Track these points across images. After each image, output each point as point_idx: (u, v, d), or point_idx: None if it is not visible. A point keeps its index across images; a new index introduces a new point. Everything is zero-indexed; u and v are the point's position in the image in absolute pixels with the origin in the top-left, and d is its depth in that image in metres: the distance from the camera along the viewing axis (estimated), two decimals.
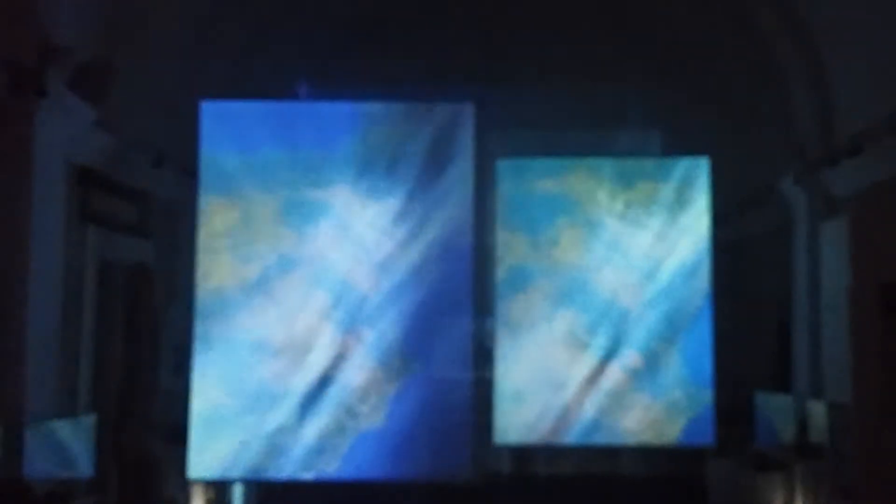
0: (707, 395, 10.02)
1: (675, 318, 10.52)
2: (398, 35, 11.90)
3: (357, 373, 8.24)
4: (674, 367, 10.18)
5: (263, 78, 10.49)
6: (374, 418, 8.18)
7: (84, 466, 7.29)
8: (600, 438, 10.42)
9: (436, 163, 8.51)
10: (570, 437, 10.29)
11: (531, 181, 10.89)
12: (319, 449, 8.10)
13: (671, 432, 10.10)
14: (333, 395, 8.23)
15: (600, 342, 10.67)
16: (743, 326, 11.66)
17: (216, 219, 8.42)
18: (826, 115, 9.50)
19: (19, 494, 6.41)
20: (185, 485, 8.69)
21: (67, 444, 7.11)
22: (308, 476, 7.91)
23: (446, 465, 7.96)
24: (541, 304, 10.70)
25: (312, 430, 8.02)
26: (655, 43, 12.25)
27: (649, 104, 11.74)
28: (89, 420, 7.47)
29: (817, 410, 8.29)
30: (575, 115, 12.18)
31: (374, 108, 8.36)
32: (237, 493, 9.20)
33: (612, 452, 10.55)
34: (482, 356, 9.08)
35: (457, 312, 8.62)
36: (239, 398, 7.96)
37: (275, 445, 8.09)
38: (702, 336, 10.18)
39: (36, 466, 6.66)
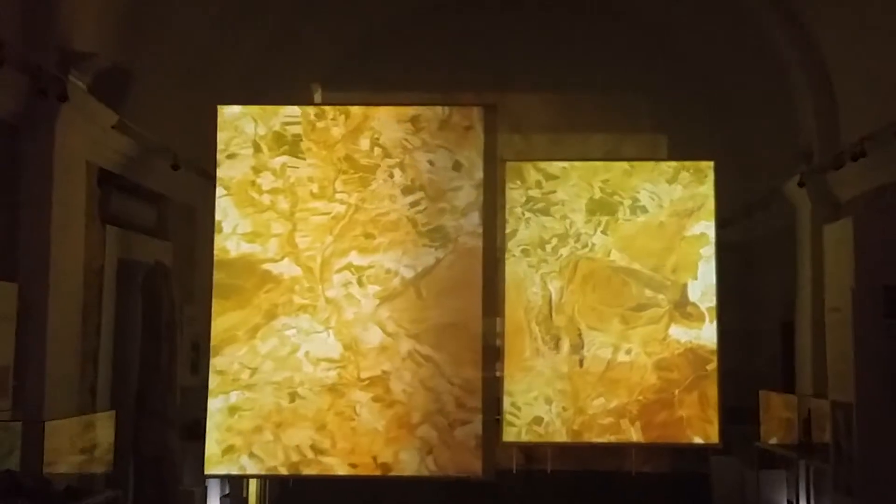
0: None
1: (681, 318, 9.88)
2: (411, 41, 12.01)
3: (368, 372, 7.96)
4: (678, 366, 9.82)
5: (279, 82, 10.61)
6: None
7: (102, 462, 7.36)
8: (607, 436, 9.83)
9: (446, 166, 8.21)
10: (578, 435, 9.83)
11: (540, 184, 10.28)
12: (333, 447, 7.87)
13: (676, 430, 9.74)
14: (345, 393, 7.96)
15: (607, 342, 9.96)
16: (748, 326, 11.75)
17: None
18: (831, 120, 9.58)
19: (39, 489, 6.49)
20: (201, 480, 8.83)
21: (86, 439, 7.19)
22: (322, 472, 7.85)
23: (458, 462, 7.86)
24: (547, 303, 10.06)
25: (325, 427, 7.86)
26: (663, 49, 12.33)
27: (657, 109, 11.83)
28: (108, 416, 7.55)
29: (820, 409, 8.38)
30: (583, 120, 12.28)
31: (385, 112, 8.25)
32: (252, 488, 9.30)
33: (619, 450, 10.43)
34: (491, 355, 8.46)
35: (467, 312, 8.07)
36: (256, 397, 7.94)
37: (290, 443, 7.86)
38: (707, 335, 9.78)
39: (55, 462, 6.74)
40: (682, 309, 10.02)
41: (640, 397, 9.91)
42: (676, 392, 9.90)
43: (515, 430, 9.83)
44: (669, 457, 10.95)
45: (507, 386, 9.90)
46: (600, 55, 12.11)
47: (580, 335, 10.14)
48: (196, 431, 8.41)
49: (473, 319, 8.19)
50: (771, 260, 11.69)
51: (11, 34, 6.77)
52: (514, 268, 10.22)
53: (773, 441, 9.81)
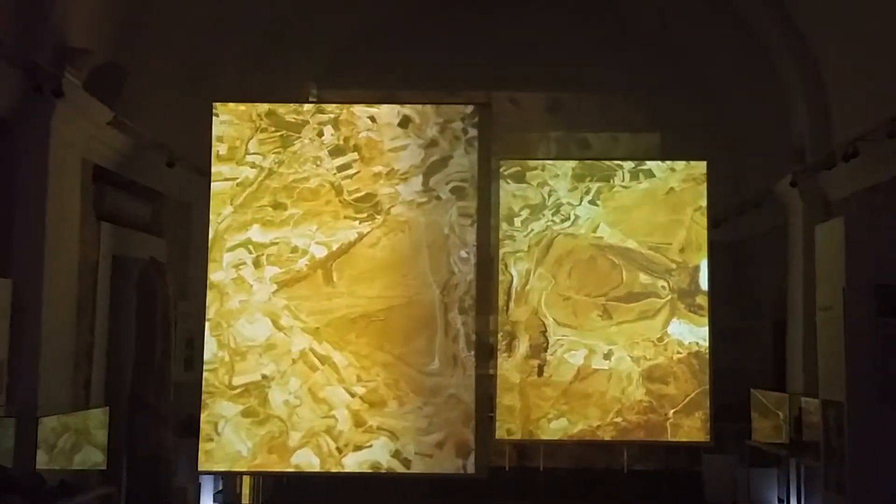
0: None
1: (687, 312, 8.77)
2: (406, 38, 12.02)
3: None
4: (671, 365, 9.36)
5: (274, 80, 10.59)
6: (381, 413, 7.18)
7: (96, 458, 7.34)
8: (624, 412, 8.76)
9: (440, 164, 7.55)
10: (569, 433, 9.17)
11: (532, 183, 9.44)
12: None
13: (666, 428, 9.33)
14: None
15: (581, 342, 8.79)
16: (740, 325, 11.79)
17: None
18: (823, 120, 9.62)
19: (32, 485, 6.49)
20: (195, 477, 8.81)
21: (80, 436, 7.17)
22: (316, 469, 7.70)
23: (451, 460, 7.40)
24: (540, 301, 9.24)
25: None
26: (656, 48, 12.36)
27: (650, 109, 11.83)
28: (102, 412, 7.52)
29: (811, 408, 8.42)
30: (576, 119, 12.29)
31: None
32: (246, 485, 9.30)
33: (611, 447, 10.34)
34: (484, 353, 7.82)
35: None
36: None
37: (284, 439, 7.34)
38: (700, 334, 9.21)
39: (49, 458, 6.72)
40: (690, 300, 8.48)
41: (619, 419, 8.37)
42: (671, 413, 8.47)
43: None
44: (661, 454, 10.97)
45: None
46: (594, 55, 12.13)
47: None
48: (190, 428, 8.42)
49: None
50: (763, 259, 11.72)
51: (6, 30, 6.77)
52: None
53: (764, 439, 9.83)
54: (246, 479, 9.24)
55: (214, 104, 8.04)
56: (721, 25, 11.08)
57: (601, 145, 11.98)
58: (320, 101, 10.03)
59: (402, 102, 8.33)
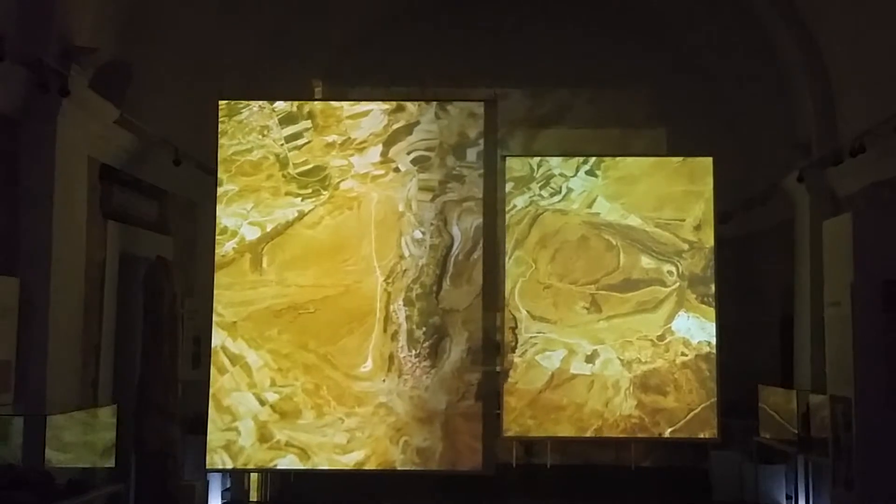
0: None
1: (698, 304, 8.24)
2: (410, 35, 12.01)
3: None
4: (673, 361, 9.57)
5: (280, 76, 10.59)
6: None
7: (104, 456, 7.35)
8: (605, 430, 8.71)
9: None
10: (576, 430, 9.00)
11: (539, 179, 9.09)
12: (333, 440, 7.21)
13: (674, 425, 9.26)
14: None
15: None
16: (747, 321, 11.76)
17: None
18: (830, 115, 9.60)
19: (41, 483, 6.50)
20: (203, 474, 8.83)
21: (88, 433, 7.19)
22: (324, 466, 7.64)
23: (459, 457, 7.34)
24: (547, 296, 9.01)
25: (326, 421, 7.37)
26: (663, 44, 12.34)
27: (657, 104, 11.80)
28: (109, 410, 7.54)
29: (819, 404, 8.39)
30: (583, 115, 12.28)
31: (386, 106, 7.85)
32: (254, 482, 9.31)
33: (618, 444, 10.27)
34: (491, 349, 7.65)
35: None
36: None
37: (289, 436, 7.24)
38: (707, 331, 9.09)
39: (57, 455, 6.73)
40: (702, 288, 7.34)
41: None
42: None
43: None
44: (669, 451, 10.94)
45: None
46: (600, 50, 12.12)
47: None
48: (197, 425, 8.43)
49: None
50: (770, 254, 11.69)
51: (11, 28, 6.76)
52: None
53: (772, 435, 9.81)
54: (254, 477, 9.27)
55: (220, 102, 8.06)
56: (727, 20, 11.05)
57: (608, 141, 11.98)
58: (326, 97, 9.98)
59: (407, 99, 8.30)
